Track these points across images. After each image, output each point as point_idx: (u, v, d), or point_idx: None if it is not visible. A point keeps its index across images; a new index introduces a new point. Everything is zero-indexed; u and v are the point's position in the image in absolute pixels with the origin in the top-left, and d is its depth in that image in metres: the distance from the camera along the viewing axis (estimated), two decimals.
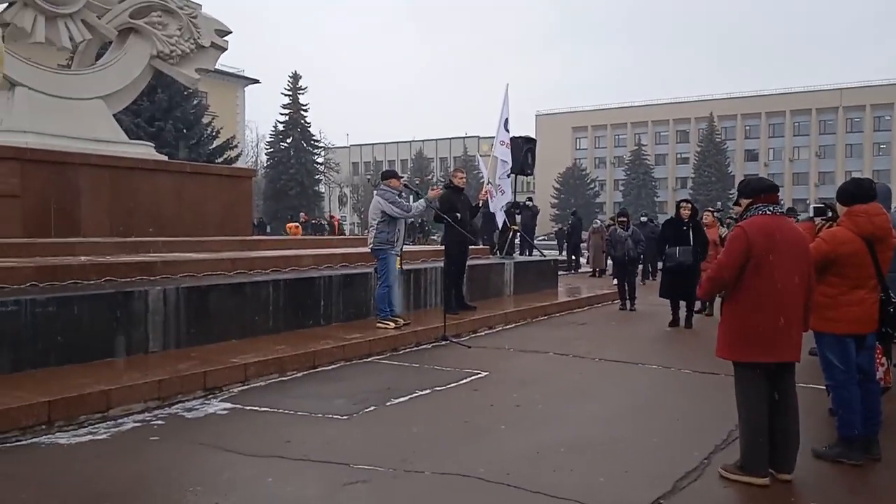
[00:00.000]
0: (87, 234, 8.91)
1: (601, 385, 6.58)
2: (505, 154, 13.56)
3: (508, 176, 14.03)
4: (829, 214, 5.10)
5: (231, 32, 11.80)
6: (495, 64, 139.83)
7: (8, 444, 4.48)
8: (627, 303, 12.09)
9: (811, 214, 5.47)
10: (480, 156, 33.77)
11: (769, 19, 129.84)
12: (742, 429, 4.05)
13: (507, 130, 13.47)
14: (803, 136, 74.59)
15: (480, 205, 11.58)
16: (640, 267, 15.52)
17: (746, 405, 4.01)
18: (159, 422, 5.09)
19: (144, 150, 10.99)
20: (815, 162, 73.53)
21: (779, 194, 4.22)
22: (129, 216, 9.57)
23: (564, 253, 22.52)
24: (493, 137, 14.17)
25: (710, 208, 12.76)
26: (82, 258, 7.50)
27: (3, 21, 9.14)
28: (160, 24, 10.83)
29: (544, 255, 16.20)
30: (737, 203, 4.53)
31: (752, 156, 76.28)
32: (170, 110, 30.51)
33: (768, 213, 4.03)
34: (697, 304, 10.56)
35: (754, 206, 4.08)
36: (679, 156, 78.50)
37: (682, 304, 10.16)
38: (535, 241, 20.23)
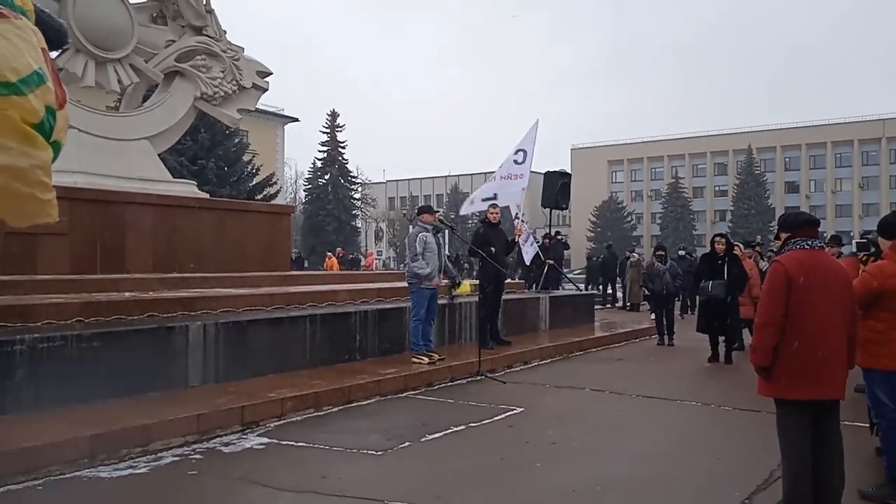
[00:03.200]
0: (132, 271, 9.14)
1: (639, 422, 6.47)
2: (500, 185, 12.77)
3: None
4: (872, 250, 5.02)
5: (272, 74, 12.17)
6: (531, 99, 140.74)
7: (52, 478, 4.57)
8: (665, 338, 11.94)
9: (854, 250, 5.40)
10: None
11: (806, 51, 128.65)
12: (784, 468, 3.94)
13: (509, 178, 12.77)
14: (845, 167, 73.17)
15: (517, 239, 11.62)
16: (679, 301, 15.31)
17: (789, 444, 3.91)
18: (197, 456, 5.16)
19: (187, 189, 11.29)
20: (857, 193, 71.98)
21: (818, 229, 4.17)
22: (171, 252, 9.80)
23: (599, 287, 22.21)
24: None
25: (736, 242, 12.37)
26: (126, 294, 7.69)
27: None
28: (204, 66, 11.21)
29: (580, 289, 16.09)
30: (776, 237, 4.49)
31: (792, 188, 74.99)
32: (212, 149, 31.38)
33: (806, 247, 3.99)
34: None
35: (792, 241, 4.05)
36: (717, 188, 77.53)
37: (721, 339, 9.99)
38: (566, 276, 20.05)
